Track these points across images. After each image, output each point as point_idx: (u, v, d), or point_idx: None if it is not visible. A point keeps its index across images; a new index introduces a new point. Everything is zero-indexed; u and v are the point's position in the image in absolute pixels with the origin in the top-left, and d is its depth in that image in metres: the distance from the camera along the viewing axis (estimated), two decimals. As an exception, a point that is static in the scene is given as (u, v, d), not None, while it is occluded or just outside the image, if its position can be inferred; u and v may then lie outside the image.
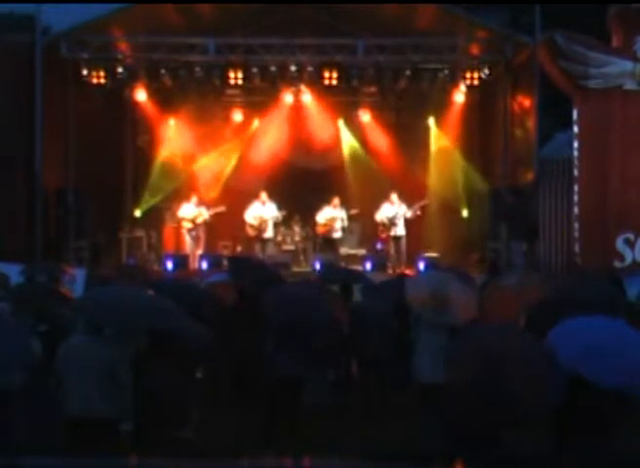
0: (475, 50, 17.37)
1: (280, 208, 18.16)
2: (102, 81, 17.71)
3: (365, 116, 19.98)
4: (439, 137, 19.64)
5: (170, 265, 17.15)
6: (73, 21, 16.66)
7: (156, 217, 19.69)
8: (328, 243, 18.45)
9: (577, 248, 15.22)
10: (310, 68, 17.49)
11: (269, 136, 19.68)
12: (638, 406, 3.80)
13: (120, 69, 17.50)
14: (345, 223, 18.39)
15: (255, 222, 17.98)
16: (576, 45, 15.04)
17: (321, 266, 15.85)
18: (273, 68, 17.45)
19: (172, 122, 19.67)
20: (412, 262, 17.28)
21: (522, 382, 3.68)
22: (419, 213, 17.88)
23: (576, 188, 15.29)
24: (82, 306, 7.17)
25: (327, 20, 18.22)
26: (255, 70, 17.49)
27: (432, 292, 8.21)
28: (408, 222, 17.83)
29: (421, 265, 16.72)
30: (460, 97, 18.57)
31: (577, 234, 15.25)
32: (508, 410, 3.69)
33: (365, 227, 19.30)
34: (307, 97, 18.90)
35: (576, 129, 15.38)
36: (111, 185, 18.89)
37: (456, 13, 17.20)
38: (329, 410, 8.74)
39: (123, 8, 16.78)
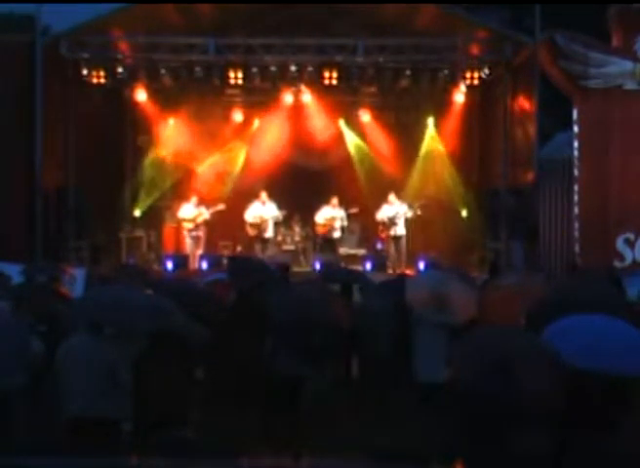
0: (475, 50, 17.36)
1: (280, 207, 18.16)
2: (102, 81, 17.68)
3: (365, 116, 19.97)
4: (432, 139, 19.60)
5: (170, 265, 17.15)
6: (73, 21, 16.64)
7: (156, 217, 19.69)
8: (327, 243, 18.44)
9: (577, 248, 15.23)
10: (310, 68, 17.47)
11: (269, 137, 19.67)
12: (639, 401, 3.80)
13: (120, 69, 17.48)
14: (345, 223, 18.40)
15: (255, 222, 17.99)
16: (576, 45, 15.05)
17: (321, 266, 15.84)
18: (273, 68, 17.44)
19: (172, 122, 19.66)
20: (412, 262, 17.26)
21: (525, 382, 3.68)
22: (419, 212, 17.87)
23: (576, 188, 15.30)
24: (82, 306, 7.17)
25: (327, 21, 18.22)
26: (255, 70, 17.47)
27: (432, 292, 8.24)
28: (408, 222, 17.83)
29: (421, 265, 16.69)
30: (459, 97, 18.57)
31: (577, 234, 15.25)
32: (512, 410, 3.69)
33: (365, 227, 19.30)
34: (307, 96, 18.89)
35: (576, 129, 15.39)
36: (111, 185, 18.89)
37: (456, 13, 17.22)
38: (329, 410, 8.73)
39: (123, 8, 16.78)
